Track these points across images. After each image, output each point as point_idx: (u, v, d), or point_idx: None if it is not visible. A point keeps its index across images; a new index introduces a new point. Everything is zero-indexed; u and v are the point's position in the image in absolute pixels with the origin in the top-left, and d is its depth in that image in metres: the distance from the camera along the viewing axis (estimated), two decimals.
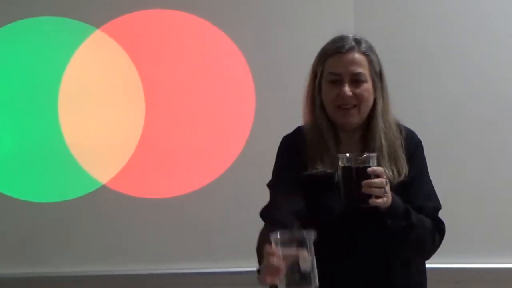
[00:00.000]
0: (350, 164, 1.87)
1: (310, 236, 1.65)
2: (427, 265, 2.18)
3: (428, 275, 2.18)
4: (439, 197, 2.13)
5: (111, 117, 3.38)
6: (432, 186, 2.14)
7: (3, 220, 3.39)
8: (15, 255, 3.39)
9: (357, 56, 2.04)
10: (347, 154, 1.89)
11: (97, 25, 3.38)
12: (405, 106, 3.07)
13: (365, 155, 1.88)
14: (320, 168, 2.02)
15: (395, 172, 2.02)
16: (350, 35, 2.08)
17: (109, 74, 3.38)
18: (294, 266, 1.62)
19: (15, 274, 3.37)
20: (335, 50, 2.05)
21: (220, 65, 3.38)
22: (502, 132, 3.32)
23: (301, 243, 1.63)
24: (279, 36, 3.36)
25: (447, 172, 3.16)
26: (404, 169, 2.03)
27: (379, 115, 2.05)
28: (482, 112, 3.32)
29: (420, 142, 2.15)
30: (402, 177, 2.02)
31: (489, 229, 3.29)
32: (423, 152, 2.16)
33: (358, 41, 2.06)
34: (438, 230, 2.07)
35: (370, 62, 2.04)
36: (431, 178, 2.15)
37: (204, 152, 3.30)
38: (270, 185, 2.14)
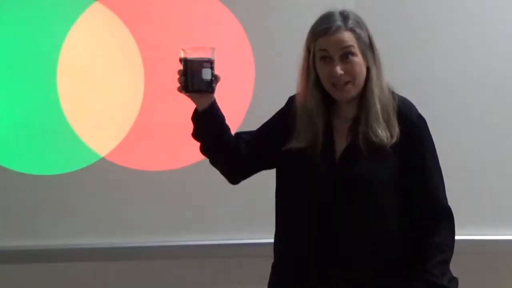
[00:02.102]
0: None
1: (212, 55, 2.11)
2: None
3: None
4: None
5: (110, 89, 3.36)
6: (440, 177, 2.20)
7: (2, 193, 3.39)
8: (15, 228, 3.39)
9: (344, 34, 2.12)
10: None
11: None
12: (405, 77, 3.18)
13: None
14: (300, 144, 2.17)
15: (388, 134, 2.12)
16: (337, 11, 2.16)
17: (108, 45, 3.37)
18: (197, 76, 2.10)
19: (16, 247, 3.38)
20: (323, 31, 2.13)
21: (219, 34, 3.36)
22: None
23: (210, 60, 2.11)
24: (277, 5, 3.34)
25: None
26: (396, 131, 2.12)
27: (374, 82, 2.15)
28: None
29: (419, 115, 2.20)
30: (394, 139, 2.11)
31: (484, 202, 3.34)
32: (427, 130, 2.20)
33: (345, 17, 2.14)
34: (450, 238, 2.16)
35: (358, 37, 2.12)
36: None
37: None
38: None
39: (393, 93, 2.19)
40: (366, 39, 2.15)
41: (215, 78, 2.14)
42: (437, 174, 2.19)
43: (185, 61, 2.12)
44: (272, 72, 3.30)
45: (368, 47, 2.15)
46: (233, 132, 2.29)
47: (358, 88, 2.15)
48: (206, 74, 2.12)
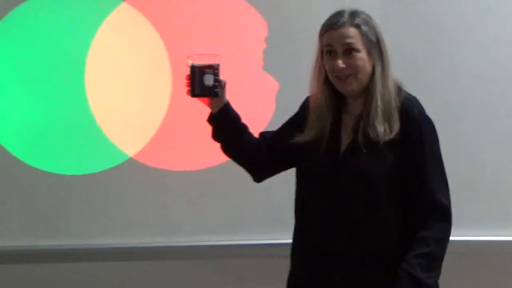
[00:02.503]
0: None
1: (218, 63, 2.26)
2: None
3: None
4: None
5: (137, 90, 3.38)
6: (440, 176, 2.21)
7: (31, 192, 3.40)
8: (42, 228, 3.41)
9: (349, 29, 2.19)
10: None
11: None
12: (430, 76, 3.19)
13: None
14: (305, 137, 2.27)
15: (387, 130, 2.16)
16: (347, 10, 2.24)
17: (135, 46, 3.38)
18: (200, 81, 2.26)
19: (43, 246, 3.39)
20: (329, 26, 2.22)
21: (246, 36, 3.36)
22: None
23: (212, 66, 2.25)
24: (303, 7, 3.34)
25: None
26: (396, 127, 2.16)
27: (377, 80, 2.20)
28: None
29: (422, 112, 2.23)
30: (392, 134, 2.15)
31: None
32: (431, 129, 2.22)
33: (353, 15, 2.22)
34: (444, 236, 2.18)
35: (363, 33, 2.19)
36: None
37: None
38: None
39: (400, 91, 2.24)
40: (373, 37, 2.21)
41: (218, 83, 2.27)
42: (436, 172, 2.20)
43: (190, 68, 2.27)
44: (297, 72, 3.28)
45: (375, 46, 2.21)
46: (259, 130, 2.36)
47: (361, 83, 2.21)
48: (208, 80, 2.26)
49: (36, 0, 3.36)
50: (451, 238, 2.20)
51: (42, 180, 3.38)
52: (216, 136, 2.41)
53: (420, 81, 3.16)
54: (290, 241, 2.37)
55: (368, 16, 2.25)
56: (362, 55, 2.19)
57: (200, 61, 2.27)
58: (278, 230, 2.98)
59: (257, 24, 3.36)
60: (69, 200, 3.40)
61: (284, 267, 2.40)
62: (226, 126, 2.37)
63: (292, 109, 2.47)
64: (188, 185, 3.37)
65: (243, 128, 2.41)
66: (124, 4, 3.37)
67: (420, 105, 2.25)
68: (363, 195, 2.18)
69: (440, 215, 2.16)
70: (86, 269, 3.43)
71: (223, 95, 2.33)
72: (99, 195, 3.40)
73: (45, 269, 3.42)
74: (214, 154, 3.26)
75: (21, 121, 3.37)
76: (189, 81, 2.28)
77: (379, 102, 2.18)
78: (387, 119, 2.17)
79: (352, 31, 2.19)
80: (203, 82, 2.26)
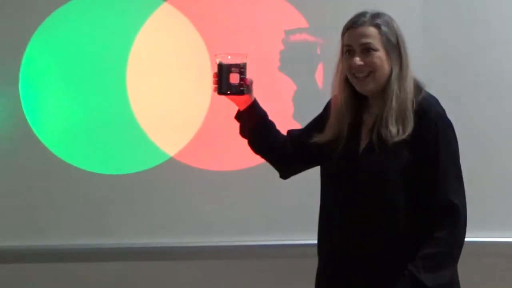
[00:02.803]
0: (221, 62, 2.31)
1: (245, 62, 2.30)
2: None
3: None
4: None
5: (179, 90, 3.39)
6: (457, 178, 2.19)
7: (73, 192, 3.44)
8: (84, 227, 3.43)
9: (368, 28, 2.20)
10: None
11: None
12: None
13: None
14: (324, 137, 2.29)
15: (400, 130, 2.15)
16: (369, 11, 2.24)
17: (177, 46, 3.39)
18: (226, 80, 2.29)
19: (85, 245, 3.42)
20: (349, 25, 2.24)
21: (287, 35, 3.35)
22: None
23: (238, 65, 2.29)
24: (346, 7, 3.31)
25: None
26: (409, 127, 2.15)
27: (394, 81, 2.20)
28: None
29: (439, 112, 2.21)
30: (405, 135, 2.15)
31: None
32: (447, 129, 2.20)
33: (374, 16, 2.23)
34: (454, 241, 2.15)
35: (383, 34, 2.20)
36: None
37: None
38: None
39: (420, 92, 2.23)
40: (393, 39, 2.21)
41: (244, 82, 2.30)
42: (450, 173, 2.17)
43: (218, 66, 2.31)
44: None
45: (394, 47, 2.21)
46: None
47: (379, 82, 2.21)
48: (234, 78, 2.29)
49: (78, 1, 3.40)
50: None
51: (83, 180, 3.41)
52: (243, 132, 2.47)
53: (459, 78, 3.17)
54: None
55: (390, 18, 2.25)
56: (380, 54, 2.20)
57: (227, 60, 2.31)
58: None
59: (298, 23, 3.35)
60: (110, 199, 3.42)
61: None
62: (253, 123, 2.42)
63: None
64: (228, 185, 3.38)
65: (270, 125, 2.45)
66: (165, 4, 3.38)
67: (439, 105, 2.24)
68: (377, 195, 2.18)
69: (452, 216, 2.14)
70: (128, 268, 3.45)
71: (249, 93, 2.37)
72: (140, 194, 3.42)
73: (88, 268, 3.45)
74: (254, 154, 3.30)
75: (64, 121, 3.41)
76: (216, 79, 2.32)
77: (394, 103, 2.18)
78: (401, 119, 2.17)
79: (372, 30, 2.20)
80: (229, 80, 2.30)
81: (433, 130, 2.17)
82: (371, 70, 2.19)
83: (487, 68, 3.37)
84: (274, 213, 3.37)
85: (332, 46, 2.25)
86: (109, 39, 3.39)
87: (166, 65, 3.39)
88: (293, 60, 3.38)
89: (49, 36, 3.40)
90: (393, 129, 2.16)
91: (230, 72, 2.29)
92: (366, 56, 2.19)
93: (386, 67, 2.20)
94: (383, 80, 2.21)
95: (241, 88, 2.31)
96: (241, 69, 2.30)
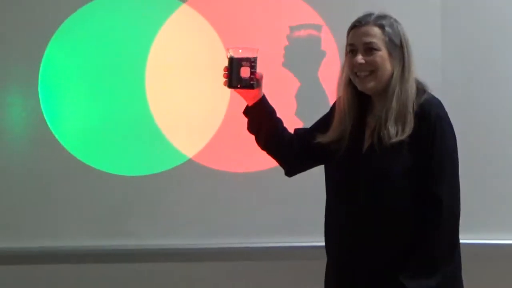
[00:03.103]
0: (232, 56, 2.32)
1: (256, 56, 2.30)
2: None
3: None
4: None
5: (197, 92, 3.39)
6: (453, 178, 2.19)
7: (91, 193, 3.44)
8: (103, 228, 3.44)
9: (372, 28, 2.22)
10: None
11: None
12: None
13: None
14: (327, 138, 2.30)
15: (399, 131, 2.16)
16: (375, 13, 2.26)
17: (195, 47, 3.39)
18: (236, 73, 2.30)
19: (103, 246, 3.42)
20: (353, 24, 2.26)
21: (307, 39, 3.34)
22: None
23: (249, 59, 2.29)
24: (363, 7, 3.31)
25: None
26: (408, 128, 2.16)
27: (395, 82, 2.21)
28: None
29: (439, 113, 2.20)
30: (404, 136, 2.15)
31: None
32: (445, 131, 2.20)
33: (379, 16, 2.24)
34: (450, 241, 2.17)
35: (386, 34, 2.21)
36: None
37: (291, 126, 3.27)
38: None
39: (423, 93, 2.24)
40: (396, 40, 2.22)
41: (254, 76, 2.30)
42: (445, 173, 2.17)
43: (228, 60, 2.32)
44: None
45: (397, 48, 2.22)
46: None
47: (380, 81, 2.22)
48: (245, 72, 2.30)
49: (98, 2, 3.41)
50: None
51: (101, 181, 3.42)
52: (251, 127, 2.47)
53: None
54: None
55: (396, 21, 2.26)
56: (382, 54, 2.21)
57: (238, 54, 2.31)
58: None
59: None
60: (128, 200, 3.43)
61: None
62: (261, 119, 2.43)
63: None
64: (246, 186, 3.37)
65: (277, 122, 2.45)
66: (184, 6, 3.39)
67: (440, 108, 2.23)
68: (379, 196, 2.19)
69: (445, 216, 2.14)
70: (146, 269, 3.45)
71: (259, 88, 2.37)
72: (158, 196, 3.42)
73: (106, 269, 3.45)
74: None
75: (82, 122, 3.42)
76: (226, 72, 2.33)
77: (394, 104, 2.19)
78: (401, 120, 2.17)
79: (375, 30, 2.22)
80: (239, 74, 2.31)
81: (432, 132, 2.18)
82: (372, 69, 2.21)
83: (504, 71, 3.36)
84: (295, 215, 3.36)
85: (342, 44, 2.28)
86: (128, 40, 3.39)
87: (184, 66, 3.39)
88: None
89: (68, 37, 3.41)
90: (392, 130, 2.17)
91: (241, 66, 2.30)
92: (368, 55, 2.21)
93: (388, 67, 2.22)
94: (384, 80, 2.22)
95: (251, 82, 2.32)
96: (251, 63, 2.31)
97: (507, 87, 3.36)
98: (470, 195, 3.25)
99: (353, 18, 2.29)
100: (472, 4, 3.38)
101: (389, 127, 2.17)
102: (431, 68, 3.30)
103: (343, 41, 3.22)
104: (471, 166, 3.28)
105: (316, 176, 3.23)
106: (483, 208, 3.30)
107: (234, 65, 2.31)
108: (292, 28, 3.37)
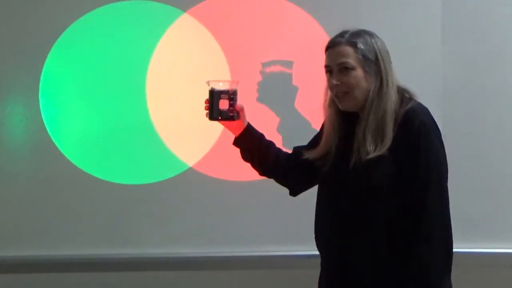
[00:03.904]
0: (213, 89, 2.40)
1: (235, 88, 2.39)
2: None
3: None
4: None
5: (198, 100, 3.37)
6: (439, 187, 2.16)
7: (91, 201, 3.43)
8: (102, 236, 3.43)
9: (344, 48, 2.23)
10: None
11: (185, 9, 3.40)
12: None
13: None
14: (313, 154, 2.35)
15: (379, 144, 2.16)
16: (350, 30, 2.26)
17: (196, 56, 3.40)
18: (216, 106, 2.39)
19: (103, 255, 3.42)
20: (327, 46, 2.28)
21: (307, 49, 3.35)
22: None
23: (227, 92, 2.38)
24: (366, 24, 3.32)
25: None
26: (388, 140, 2.16)
27: (372, 98, 2.21)
28: None
29: (423, 120, 2.18)
30: (384, 148, 2.15)
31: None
32: (430, 138, 2.17)
33: (353, 34, 2.24)
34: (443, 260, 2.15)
35: (357, 51, 2.21)
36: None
37: (289, 136, 3.28)
38: None
39: (406, 101, 2.23)
40: (371, 55, 2.22)
41: (233, 108, 2.39)
42: (431, 182, 2.15)
43: (209, 92, 2.41)
44: None
45: (372, 63, 2.22)
46: None
47: (358, 99, 2.23)
48: (224, 105, 2.38)
49: (99, 11, 3.42)
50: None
51: (102, 189, 3.42)
52: (244, 157, 2.53)
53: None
54: None
55: (371, 35, 2.26)
56: (356, 73, 2.22)
57: (218, 87, 2.40)
58: None
59: (316, 32, 3.35)
60: (128, 209, 3.42)
61: None
62: (250, 147, 2.49)
63: None
64: (247, 195, 3.37)
65: (268, 146, 2.50)
66: (185, 15, 3.39)
67: (426, 114, 2.22)
68: (363, 209, 2.19)
69: (432, 227, 2.13)
70: (146, 278, 3.44)
71: (240, 119, 2.43)
72: (158, 204, 3.42)
73: (105, 277, 3.45)
74: None
75: (83, 131, 3.42)
76: (207, 105, 2.41)
77: (370, 121, 2.20)
78: (380, 135, 2.18)
79: (347, 49, 2.22)
80: (218, 107, 2.39)
81: (416, 139, 2.16)
82: (347, 90, 2.23)
83: (507, 76, 3.37)
84: (297, 224, 3.35)
85: None
86: (129, 49, 3.40)
87: (185, 75, 3.39)
88: (313, 72, 3.38)
89: (69, 46, 3.41)
90: (369, 147, 2.18)
91: (220, 98, 2.38)
92: (343, 76, 2.22)
93: (364, 85, 2.22)
94: (362, 97, 2.23)
95: (231, 114, 2.39)
96: (230, 95, 2.38)
97: (509, 93, 3.37)
98: (471, 201, 3.29)
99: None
100: (473, 9, 3.38)
101: (367, 143, 2.18)
102: (432, 74, 3.31)
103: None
104: (471, 172, 3.30)
105: (315, 187, 3.27)
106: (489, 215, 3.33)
107: (213, 98, 2.39)
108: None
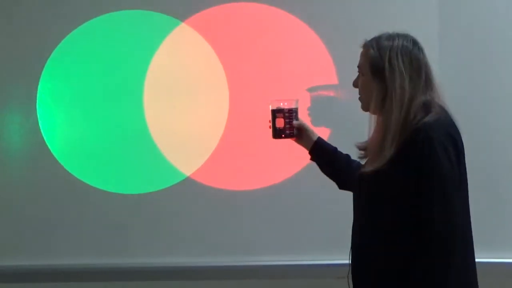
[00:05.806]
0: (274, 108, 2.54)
1: (293, 107, 2.53)
2: None
3: None
4: None
5: (195, 110, 3.39)
6: (447, 204, 2.08)
7: (89, 211, 3.43)
8: (99, 246, 3.43)
9: (362, 51, 2.26)
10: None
11: (182, 18, 3.40)
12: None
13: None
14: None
15: (377, 159, 2.15)
16: (383, 33, 2.24)
17: (194, 67, 3.40)
18: (273, 124, 2.53)
19: (101, 264, 3.41)
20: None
21: (304, 60, 3.35)
22: None
23: (282, 110, 2.52)
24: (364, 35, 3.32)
25: None
26: (384, 158, 2.12)
27: (373, 107, 2.21)
28: None
29: (428, 135, 2.10)
30: (382, 163, 2.12)
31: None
32: (434, 154, 2.09)
33: (374, 38, 2.24)
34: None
35: (368, 56, 2.21)
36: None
37: (288, 144, 3.27)
38: None
39: (422, 116, 2.13)
40: (378, 62, 2.18)
41: (290, 125, 2.51)
42: (437, 195, 2.08)
43: (271, 112, 2.54)
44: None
45: (377, 72, 2.18)
46: None
47: (366, 103, 2.25)
48: (280, 123, 2.52)
49: (96, 21, 3.42)
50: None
51: (99, 199, 3.41)
52: (323, 171, 2.59)
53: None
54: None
55: (381, 41, 2.20)
56: (364, 79, 2.24)
57: (275, 106, 2.53)
58: (335, 251, 3.02)
59: (313, 43, 3.36)
60: (126, 219, 3.41)
61: None
62: (324, 161, 2.56)
63: None
64: (245, 205, 3.36)
65: (341, 158, 2.55)
66: (183, 25, 3.40)
67: (434, 129, 2.10)
68: (371, 218, 2.22)
69: (439, 245, 2.06)
70: None
71: (301, 136, 2.54)
72: (156, 214, 3.41)
73: (104, 287, 3.44)
74: (270, 174, 3.30)
75: (81, 140, 3.41)
76: (270, 124, 2.54)
77: (373, 132, 2.24)
78: (379, 149, 2.15)
79: (363, 52, 2.25)
80: (275, 125, 2.53)
81: (418, 156, 2.09)
82: (360, 94, 2.28)
83: (504, 71, 3.35)
84: (295, 233, 3.35)
85: (353, 71, 2.28)
86: (127, 59, 3.40)
87: (183, 85, 3.39)
88: (310, 83, 3.38)
89: (66, 56, 3.41)
90: (369, 160, 2.24)
91: (276, 117, 2.52)
92: (358, 78, 2.29)
93: (369, 90, 2.21)
94: (368, 102, 2.24)
95: (288, 132, 2.52)
96: (285, 113, 2.51)
97: (506, 92, 3.35)
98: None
99: (353, 43, 2.32)
100: (470, 8, 3.36)
101: (368, 155, 2.27)
102: None
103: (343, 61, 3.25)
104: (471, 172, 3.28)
105: (315, 195, 3.26)
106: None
107: (272, 117, 2.53)
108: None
